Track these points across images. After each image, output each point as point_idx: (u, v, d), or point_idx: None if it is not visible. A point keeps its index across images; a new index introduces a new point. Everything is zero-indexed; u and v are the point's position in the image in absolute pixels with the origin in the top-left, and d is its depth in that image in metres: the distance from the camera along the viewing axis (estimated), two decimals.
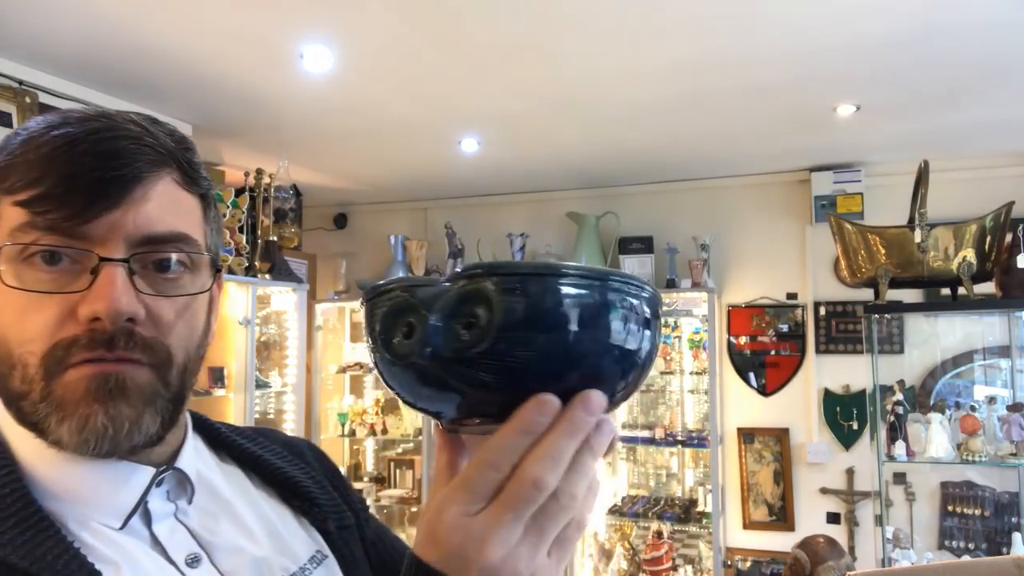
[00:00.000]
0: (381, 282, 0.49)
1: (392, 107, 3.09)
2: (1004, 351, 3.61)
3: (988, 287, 2.82)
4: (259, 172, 3.43)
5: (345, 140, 3.56)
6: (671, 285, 4.09)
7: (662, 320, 0.47)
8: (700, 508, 4.13)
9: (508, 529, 0.45)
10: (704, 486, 4.17)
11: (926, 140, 3.54)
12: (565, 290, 0.44)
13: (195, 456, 0.66)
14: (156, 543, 0.59)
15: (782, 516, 4.10)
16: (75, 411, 0.55)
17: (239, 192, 3.26)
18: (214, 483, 0.66)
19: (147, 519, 0.60)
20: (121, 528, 0.58)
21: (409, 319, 0.46)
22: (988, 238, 2.70)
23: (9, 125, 2.52)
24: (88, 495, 0.58)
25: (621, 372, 0.47)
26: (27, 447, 0.57)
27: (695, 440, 4.07)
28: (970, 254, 2.68)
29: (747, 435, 4.18)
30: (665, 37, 2.41)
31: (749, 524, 4.16)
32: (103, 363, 0.55)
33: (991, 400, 2.87)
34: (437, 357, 0.45)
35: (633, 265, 4.21)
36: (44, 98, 2.68)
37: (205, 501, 0.64)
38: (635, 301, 0.46)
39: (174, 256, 0.59)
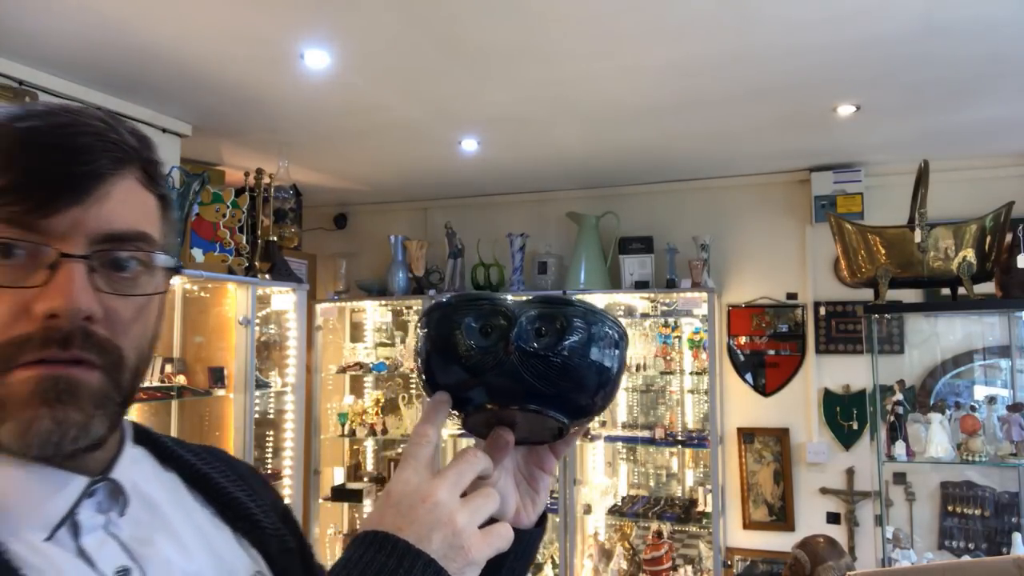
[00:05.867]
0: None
1: (392, 107, 3.09)
2: (1004, 351, 3.61)
3: (988, 287, 2.82)
4: (259, 172, 3.43)
5: (345, 140, 3.56)
6: (671, 285, 4.09)
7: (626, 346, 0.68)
8: (700, 508, 4.12)
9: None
10: (704, 486, 4.17)
11: (926, 140, 3.53)
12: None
13: (132, 467, 0.64)
14: (83, 555, 0.56)
15: (782, 516, 4.10)
16: (19, 413, 0.53)
17: (239, 192, 3.26)
18: (151, 495, 0.64)
19: (75, 531, 0.57)
20: (48, 539, 0.55)
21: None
22: (988, 238, 2.70)
23: None
24: (16, 503, 0.55)
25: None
26: None
27: (695, 440, 4.07)
28: (970, 254, 2.68)
29: (747, 435, 4.18)
30: (665, 37, 2.41)
31: (749, 524, 4.16)
32: (54, 364, 0.53)
33: (991, 400, 2.86)
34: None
35: (633, 265, 4.21)
36: (44, 98, 2.68)
37: (140, 513, 0.62)
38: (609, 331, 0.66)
39: (135, 255, 0.58)
